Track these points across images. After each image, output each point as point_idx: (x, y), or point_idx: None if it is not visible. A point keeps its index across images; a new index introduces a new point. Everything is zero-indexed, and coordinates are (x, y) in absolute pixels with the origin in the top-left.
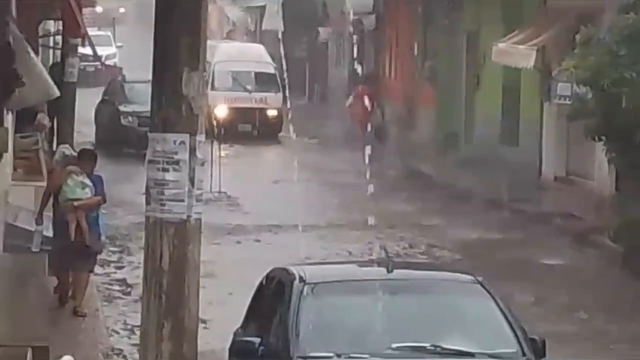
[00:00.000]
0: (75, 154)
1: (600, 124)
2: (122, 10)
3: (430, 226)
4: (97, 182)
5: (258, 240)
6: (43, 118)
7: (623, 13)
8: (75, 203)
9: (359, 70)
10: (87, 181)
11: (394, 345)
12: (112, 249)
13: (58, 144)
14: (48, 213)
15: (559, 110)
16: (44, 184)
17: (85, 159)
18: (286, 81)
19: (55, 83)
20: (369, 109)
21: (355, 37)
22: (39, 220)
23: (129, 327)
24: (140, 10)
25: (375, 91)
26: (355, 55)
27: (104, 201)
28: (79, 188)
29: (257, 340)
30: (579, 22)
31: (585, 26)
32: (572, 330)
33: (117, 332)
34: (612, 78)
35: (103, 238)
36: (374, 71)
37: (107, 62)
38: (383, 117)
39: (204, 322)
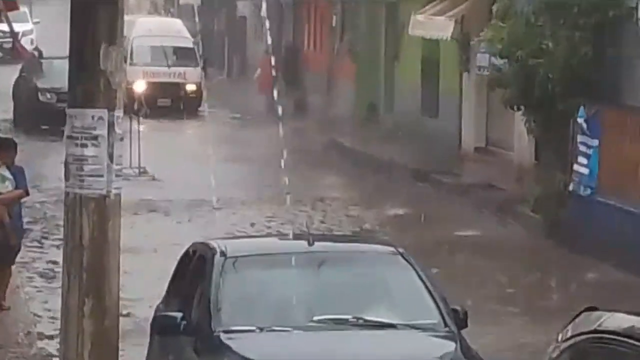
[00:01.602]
0: None
1: (518, 94)
2: None
3: (351, 198)
4: (18, 174)
5: (178, 216)
6: None
7: None
8: None
9: (273, 43)
10: (7, 174)
11: (316, 318)
12: (34, 228)
13: None
14: None
15: (478, 81)
16: None
17: (4, 149)
18: (204, 55)
19: None
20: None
21: (270, 11)
22: None
23: (52, 309)
24: None
25: (294, 64)
26: (268, 28)
27: (27, 194)
28: None
29: (178, 315)
30: None
31: None
32: (497, 301)
33: (39, 316)
34: (529, 48)
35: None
36: (292, 44)
37: (24, 38)
38: (302, 90)
39: (125, 299)
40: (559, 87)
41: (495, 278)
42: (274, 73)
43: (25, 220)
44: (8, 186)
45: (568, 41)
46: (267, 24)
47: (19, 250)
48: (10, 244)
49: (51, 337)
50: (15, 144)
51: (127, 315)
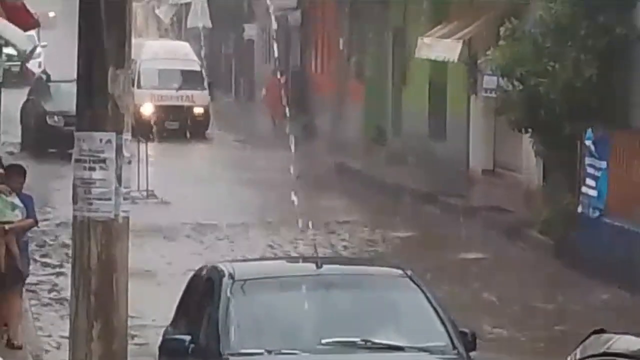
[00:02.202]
0: (1, 171)
1: (524, 116)
2: (51, 14)
3: (359, 221)
4: (27, 202)
5: (186, 239)
6: None
7: (548, 5)
8: (6, 227)
9: (280, 66)
10: (17, 201)
11: (324, 341)
12: (41, 253)
13: None
14: None
15: (485, 103)
16: None
17: (14, 176)
18: (212, 79)
19: None
20: (280, 100)
21: (277, 34)
22: None
23: (60, 329)
24: (70, 12)
25: (302, 87)
26: (276, 52)
27: (36, 224)
28: (8, 210)
29: (187, 337)
30: (505, 15)
31: (510, 19)
32: (505, 323)
33: (50, 336)
34: (533, 68)
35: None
36: (300, 67)
37: (31, 61)
38: (310, 113)
39: (134, 320)
40: (564, 110)
41: (503, 300)
42: (281, 94)
43: (32, 245)
44: (18, 215)
45: (573, 63)
46: (275, 46)
47: (24, 282)
48: (19, 273)
49: None
50: (25, 171)
51: (135, 337)
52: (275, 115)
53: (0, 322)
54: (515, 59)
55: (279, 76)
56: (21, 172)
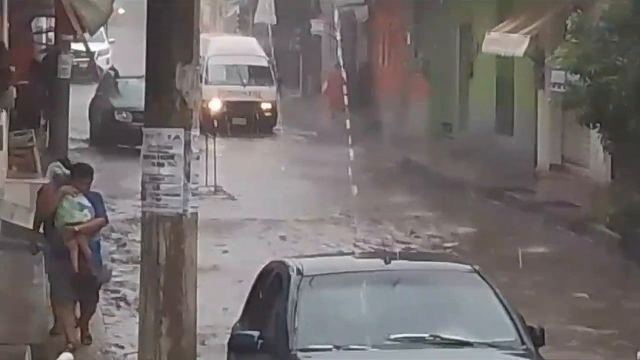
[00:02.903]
0: (67, 171)
1: (592, 111)
2: (121, 11)
3: (426, 217)
4: (96, 201)
5: (253, 235)
6: None
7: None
8: (77, 227)
9: (346, 61)
10: (85, 201)
11: (393, 336)
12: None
13: (50, 141)
14: None
15: (553, 97)
16: (39, 180)
17: (81, 175)
18: (279, 74)
19: (46, 81)
20: (341, 93)
21: (344, 29)
22: (33, 249)
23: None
24: (139, 9)
25: (368, 82)
26: (339, 46)
27: (106, 222)
28: (76, 210)
29: (255, 333)
30: (572, 10)
31: (577, 13)
32: (573, 319)
33: (118, 337)
34: (601, 65)
35: (106, 264)
36: (366, 62)
37: (100, 58)
38: (376, 108)
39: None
40: (632, 104)
41: (571, 296)
42: (342, 88)
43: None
44: (87, 214)
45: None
46: (339, 38)
47: (100, 286)
48: (92, 274)
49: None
50: (92, 170)
51: (202, 334)
52: (336, 109)
53: (74, 322)
54: (583, 56)
55: (340, 70)
56: (88, 172)
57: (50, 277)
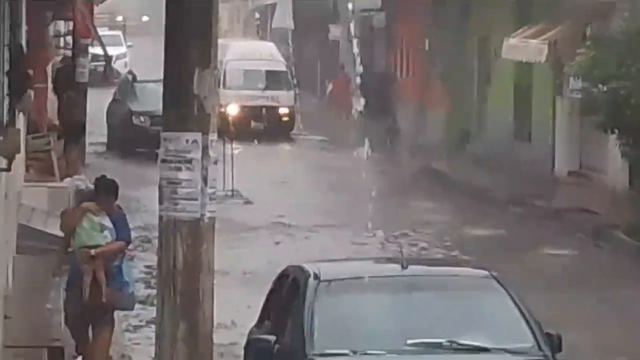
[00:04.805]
0: (91, 186)
1: (609, 118)
2: (145, 18)
3: (445, 223)
4: (119, 222)
5: (270, 239)
6: None
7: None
8: (93, 251)
9: (365, 67)
10: (107, 222)
11: (410, 342)
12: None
13: (66, 145)
14: None
15: (571, 104)
16: (57, 184)
17: (104, 192)
18: (297, 79)
19: (64, 84)
20: (346, 96)
21: (362, 35)
22: (56, 272)
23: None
24: (162, 16)
25: (386, 88)
26: (358, 52)
27: (128, 244)
28: (96, 231)
29: (272, 338)
30: (591, 17)
31: (597, 21)
32: (590, 325)
33: (136, 343)
34: (615, 73)
35: (132, 290)
36: (384, 68)
37: (117, 62)
38: (394, 115)
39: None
40: None
41: (588, 302)
42: (348, 90)
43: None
44: (107, 236)
45: None
46: (355, 44)
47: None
48: (104, 303)
49: None
50: (116, 186)
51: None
52: (342, 111)
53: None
54: (600, 63)
55: (345, 73)
56: (111, 188)
57: (64, 301)
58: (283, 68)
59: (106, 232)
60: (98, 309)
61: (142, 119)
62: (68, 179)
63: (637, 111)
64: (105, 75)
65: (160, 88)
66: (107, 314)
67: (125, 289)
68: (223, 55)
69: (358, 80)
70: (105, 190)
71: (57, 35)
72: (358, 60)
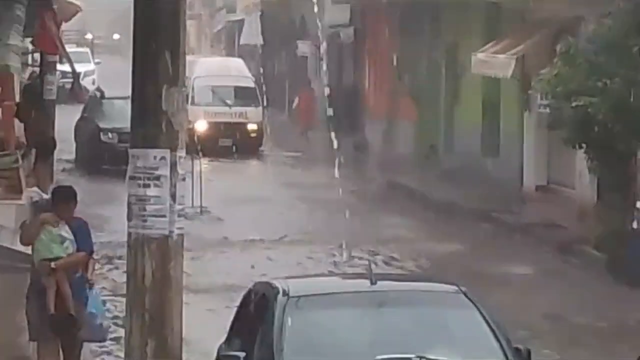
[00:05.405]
0: (47, 196)
1: (577, 133)
2: (116, 36)
3: (412, 239)
4: (80, 231)
5: (239, 256)
6: None
7: (602, 22)
8: (52, 264)
9: (332, 82)
10: (66, 232)
11: (379, 357)
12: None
13: (35, 163)
14: None
15: (539, 119)
16: (24, 202)
17: (62, 201)
18: (265, 95)
19: (32, 101)
20: (312, 111)
21: (329, 50)
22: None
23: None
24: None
25: (354, 103)
26: (325, 68)
27: (91, 255)
28: (55, 244)
29: (242, 354)
30: (559, 32)
31: (565, 36)
32: (560, 338)
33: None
34: (583, 88)
35: (101, 322)
36: (352, 83)
37: (85, 79)
38: (362, 130)
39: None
40: (617, 126)
41: (558, 316)
42: (312, 106)
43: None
44: (68, 247)
45: (624, 80)
46: (323, 59)
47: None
48: (71, 316)
49: None
50: (74, 193)
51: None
52: (305, 127)
53: None
54: (566, 77)
55: (311, 88)
56: (70, 196)
57: (27, 316)
58: (251, 84)
59: (67, 243)
60: (65, 322)
61: (110, 135)
62: (24, 194)
63: (604, 127)
64: (74, 92)
65: (128, 105)
66: (73, 328)
67: (92, 320)
68: (191, 71)
69: (326, 94)
70: (64, 198)
71: (25, 52)
72: (326, 75)
